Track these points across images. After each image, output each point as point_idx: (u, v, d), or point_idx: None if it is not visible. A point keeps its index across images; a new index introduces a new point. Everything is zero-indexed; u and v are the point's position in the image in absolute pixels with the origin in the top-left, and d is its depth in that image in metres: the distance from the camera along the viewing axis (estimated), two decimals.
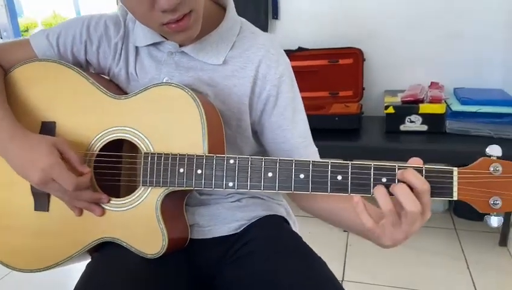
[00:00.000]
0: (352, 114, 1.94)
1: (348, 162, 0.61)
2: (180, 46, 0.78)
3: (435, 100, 1.84)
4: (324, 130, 1.89)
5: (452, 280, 1.64)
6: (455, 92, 1.96)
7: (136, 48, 0.81)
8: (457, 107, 1.82)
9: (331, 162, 0.61)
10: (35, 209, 0.77)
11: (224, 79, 0.78)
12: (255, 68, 0.77)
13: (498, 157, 0.59)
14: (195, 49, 0.77)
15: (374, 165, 0.60)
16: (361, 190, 0.60)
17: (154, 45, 0.80)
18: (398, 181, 0.59)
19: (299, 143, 0.80)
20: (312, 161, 0.62)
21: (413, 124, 1.86)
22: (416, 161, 0.60)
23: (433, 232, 1.97)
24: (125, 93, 0.80)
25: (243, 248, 0.80)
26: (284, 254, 0.77)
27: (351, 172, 0.60)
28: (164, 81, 0.77)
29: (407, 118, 1.86)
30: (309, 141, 0.83)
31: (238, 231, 0.83)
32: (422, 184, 0.57)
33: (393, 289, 1.61)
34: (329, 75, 2.13)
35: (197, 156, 0.67)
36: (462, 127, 1.80)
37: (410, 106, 1.86)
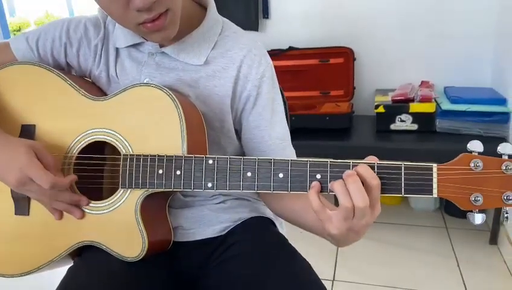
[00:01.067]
0: (342, 113, 1.94)
1: (327, 159, 0.60)
2: (161, 46, 0.77)
3: (425, 99, 1.84)
4: (315, 129, 1.90)
5: (442, 278, 1.64)
6: (445, 91, 1.96)
7: (117, 49, 0.80)
8: (447, 106, 1.82)
9: (310, 161, 0.61)
10: (15, 214, 0.76)
11: (206, 80, 0.77)
12: (237, 68, 0.77)
13: (480, 153, 0.58)
14: (176, 50, 0.76)
15: (353, 163, 0.60)
16: None
17: (135, 46, 0.79)
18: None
19: (276, 145, 0.79)
20: (291, 160, 0.62)
21: (404, 123, 1.86)
22: (372, 158, 0.61)
23: (424, 231, 1.98)
24: (106, 95, 0.80)
25: (228, 250, 0.79)
26: (268, 257, 0.76)
27: (330, 170, 0.60)
28: (145, 82, 0.76)
29: (397, 117, 1.86)
30: (287, 143, 0.82)
31: (223, 233, 0.83)
32: (372, 179, 0.57)
33: (384, 288, 1.60)
34: (320, 74, 2.12)
35: (175, 156, 0.66)
36: (452, 126, 1.80)
37: (400, 105, 1.86)
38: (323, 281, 0.72)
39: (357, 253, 1.82)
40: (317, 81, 2.13)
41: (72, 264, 0.79)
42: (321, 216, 0.61)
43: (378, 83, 2.14)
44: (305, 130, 1.85)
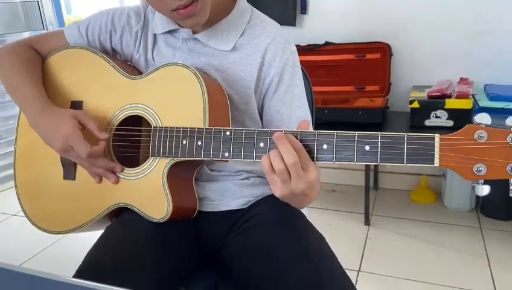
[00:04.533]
0: (375, 108, 1.95)
1: (334, 131, 0.65)
2: (194, 33, 0.85)
3: (461, 95, 1.81)
4: (347, 123, 1.91)
5: (470, 275, 1.62)
6: (485, 89, 1.92)
7: (155, 35, 0.89)
8: (485, 103, 1.78)
9: (318, 132, 0.66)
10: (64, 178, 0.87)
11: (233, 65, 0.84)
12: (262, 55, 0.83)
13: (487, 126, 0.58)
14: (207, 36, 0.84)
15: (358, 134, 0.65)
16: (343, 157, 0.66)
17: (171, 32, 0.88)
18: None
19: (294, 128, 0.84)
20: (300, 131, 0.67)
21: (439, 119, 1.84)
22: (302, 124, 0.69)
23: (456, 229, 1.94)
24: None
25: (247, 222, 0.85)
26: (283, 229, 0.81)
27: (336, 140, 0.65)
28: (173, 62, 0.84)
29: (432, 113, 1.84)
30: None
31: (245, 206, 0.89)
32: (294, 143, 0.66)
33: (409, 281, 1.60)
34: (355, 69, 2.14)
35: (197, 128, 0.74)
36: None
37: (436, 101, 1.84)
38: (348, 271, 0.74)
39: (385, 247, 1.82)
40: (352, 77, 2.14)
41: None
42: (269, 178, 0.68)
43: (416, 79, 2.12)
44: (338, 123, 1.88)
